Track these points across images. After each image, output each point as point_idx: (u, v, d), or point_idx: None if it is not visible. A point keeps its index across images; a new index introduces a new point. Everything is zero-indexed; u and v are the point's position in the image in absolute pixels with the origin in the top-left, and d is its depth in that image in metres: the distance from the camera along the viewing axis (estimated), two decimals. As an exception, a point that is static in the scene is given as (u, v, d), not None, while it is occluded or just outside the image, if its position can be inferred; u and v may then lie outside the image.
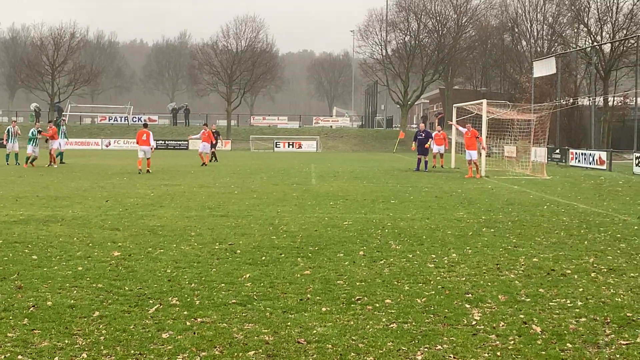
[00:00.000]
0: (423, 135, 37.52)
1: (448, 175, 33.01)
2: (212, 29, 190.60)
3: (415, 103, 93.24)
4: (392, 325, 7.76)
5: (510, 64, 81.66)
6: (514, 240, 13.64)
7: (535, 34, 77.44)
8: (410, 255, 11.96)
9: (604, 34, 67.29)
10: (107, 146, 72.41)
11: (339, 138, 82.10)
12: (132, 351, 6.83)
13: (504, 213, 18.31)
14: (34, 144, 36.32)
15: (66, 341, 7.08)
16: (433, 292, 9.28)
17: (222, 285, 9.58)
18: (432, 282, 9.88)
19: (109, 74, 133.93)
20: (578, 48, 66.27)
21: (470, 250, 12.52)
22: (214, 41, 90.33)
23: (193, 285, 9.57)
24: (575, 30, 71.52)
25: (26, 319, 7.86)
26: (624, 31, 64.51)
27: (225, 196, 21.92)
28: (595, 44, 63.89)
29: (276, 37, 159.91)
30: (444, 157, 40.48)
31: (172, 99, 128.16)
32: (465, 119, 41.74)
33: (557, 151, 49.72)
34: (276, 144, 74.96)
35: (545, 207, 19.87)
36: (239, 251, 12.17)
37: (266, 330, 7.52)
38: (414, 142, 38.18)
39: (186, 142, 72.49)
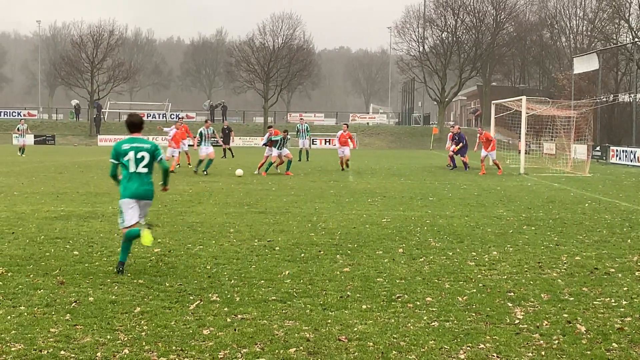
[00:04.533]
0: (457, 138, 35.94)
1: (486, 172, 32.68)
2: (249, 27, 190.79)
3: (453, 100, 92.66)
4: (433, 324, 7.69)
5: (550, 61, 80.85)
6: (556, 239, 13.48)
7: (575, 30, 76.61)
8: (450, 253, 11.87)
9: (645, 29, 66.31)
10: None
11: (376, 135, 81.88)
12: (174, 347, 6.84)
13: (545, 211, 18.11)
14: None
15: (108, 337, 7.12)
16: (474, 291, 9.19)
17: (262, 282, 9.58)
18: (473, 280, 9.79)
19: (147, 71, 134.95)
20: (619, 44, 65.41)
21: (511, 248, 12.39)
22: (251, 38, 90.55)
23: (233, 281, 9.57)
24: (616, 26, 70.58)
25: (68, 314, 7.91)
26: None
27: (263, 193, 21.94)
28: (636, 39, 62.99)
29: (313, 35, 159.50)
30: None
31: (209, 96, 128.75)
32: (503, 115, 41.43)
33: (598, 148, 49.13)
34: (313, 141, 74.98)
35: (587, 204, 19.62)
36: (277, 248, 12.17)
37: (307, 328, 7.49)
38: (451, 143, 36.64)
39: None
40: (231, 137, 48.13)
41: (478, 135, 34.38)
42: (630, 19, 66.66)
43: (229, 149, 47.11)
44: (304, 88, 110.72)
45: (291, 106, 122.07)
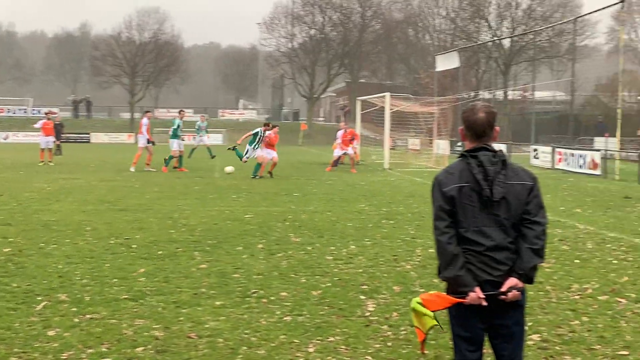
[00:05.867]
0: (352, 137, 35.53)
1: (356, 168, 33.11)
2: (115, 21, 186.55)
3: (322, 96, 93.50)
4: (286, 318, 7.72)
5: (415, 58, 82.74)
6: (412, 232, 13.80)
7: (438, 28, 78.70)
8: (309, 248, 11.95)
9: (503, 29, 68.91)
10: (5, 139, 70.23)
11: (245, 131, 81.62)
12: (16, 349, 6.62)
13: (405, 205, 18.51)
14: None
15: (-55, 341, 6.80)
16: (329, 284, 9.28)
17: (115, 280, 9.38)
18: (329, 274, 9.89)
19: (7, 66, 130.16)
20: (479, 42, 67.65)
21: (369, 242, 12.59)
22: (117, 32, 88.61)
23: (84, 281, 9.33)
24: (477, 25, 73.00)
25: None
26: (523, 26, 66.16)
27: (125, 190, 21.50)
28: (495, 38, 65.33)
29: (182, 30, 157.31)
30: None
31: (73, 90, 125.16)
32: (369, 112, 42.08)
33: (459, 144, 50.59)
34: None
35: (445, 198, 20.13)
36: (134, 246, 11.95)
37: (157, 326, 7.38)
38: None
39: (87, 135, 71.03)
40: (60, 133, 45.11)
41: (342, 132, 33.92)
42: (490, 18, 69.07)
43: (59, 145, 44.21)
44: (172, 84, 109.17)
45: (159, 102, 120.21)
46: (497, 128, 4.83)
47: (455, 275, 4.49)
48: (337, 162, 32.95)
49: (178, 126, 30.72)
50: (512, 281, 4.53)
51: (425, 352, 4.69)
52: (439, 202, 4.59)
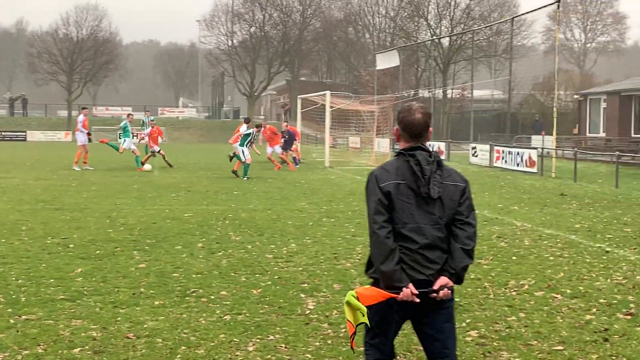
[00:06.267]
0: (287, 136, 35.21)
1: (297, 167, 33.13)
2: (52, 17, 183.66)
3: (262, 94, 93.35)
4: (225, 317, 7.69)
5: (355, 57, 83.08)
6: (353, 230, 13.85)
7: (378, 27, 79.16)
8: (250, 246, 11.92)
9: (442, 28, 69.62)
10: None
11: (185, 129, 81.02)
12: (-52, 353, 6.45)
13: (345, 203, 18.58)
14: None
15: None
16: (269, 283, 9.27)
17: (52, 280, 9.23)
18: (269, 273, 9.87)
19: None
20: (419, 41, 68.25)
21: (309, 240, 12.60)
22: (54, 29, 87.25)
23: (20, 281, 9.16)
24: (416, 24, 73.62)
25: None
26: (462, 26, 66.93)
27: (62, 189, 21.17)
28: (434, 37, 65.98)
29: (120, 27, 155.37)
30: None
31: (9, 88, 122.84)
32: (310, 110, 42.16)
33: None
34: (120, 135, 73.18)
35: (385, 196, 20.24)
36: (72, 245, 11.77)
37: (94, 326, 7.28)
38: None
39: (24, 133, 69.79)
40: None
41: (262, 129, 33.03)
42: (429, 17, 69.73)
43: None
44: (111, 81, 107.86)
45: (97, 99, 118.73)
46: (431, 129, 4.90)
47: (392, 269, 4.50)
48: (284, 161, 32.61)
49: (126, 127, 30.72)
50: (443, 280, 4.58)
51: (355, 347, 4.68)
52: (377, 196, 4.59)
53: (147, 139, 31.19)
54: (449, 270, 4.59)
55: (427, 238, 4.57)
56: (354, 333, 4.55)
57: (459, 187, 4.72)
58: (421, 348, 6.57)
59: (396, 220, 4.58)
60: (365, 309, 4.47)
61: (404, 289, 4.50)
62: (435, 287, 4.56)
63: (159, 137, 31.65)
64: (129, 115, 33.25)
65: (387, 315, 4.68)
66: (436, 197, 4.59)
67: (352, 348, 4.70)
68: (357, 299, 4.50)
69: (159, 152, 30.51)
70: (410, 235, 4.56)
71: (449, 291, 4.60)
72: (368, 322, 4.51)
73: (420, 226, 4.57)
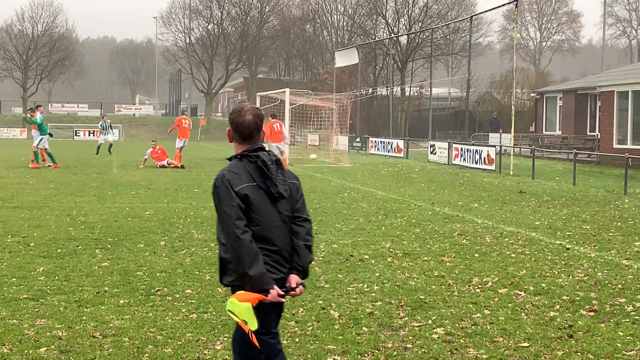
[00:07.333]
0: None
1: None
2: (5, 13, 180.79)
3: (220, 92, 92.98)
4: (191, 316, 7.66)
5: (313, 54, 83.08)
6: (315, 227, 13.85)
7: (337, 25, 79.26)
8: (213, 244, 11.85)
9: (400, 26, 69.93)
10: None
11: (142, 126, 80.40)
12: None
13: (306, 201, 18.55)
14: None
15: None
16: (234, 281, 9.22)
17: (14, 279, 9.12)
18: (233, 271, 9.82)
19: None
20: (377, 39, 68.49)
21: (272, 238, 12.55)
22: (8, 25, 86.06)
23: (-19, 281, 9.03)
24: (374, 21, 73.86)
25: None
26: (420, 24, 67.30)
27: (19, 186, 20.90)
28: (392, 35, 66.27)
29: (76, 23, 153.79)
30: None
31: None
32: (268, 107, 42.07)
33: (358, 139, 51.17)
34: (76, 133, 72.37)
35: (346, 194, 20.35)
36: (32, 244, 11.63)
37: (60, 326, 7.21)
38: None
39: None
40: None
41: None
42: (387, 15, 70.00)
43: None
44: (67, 78, 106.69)
45: (53, 96, 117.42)
46: (264, 130, 4.96)
47: (260, 273, 4.56)
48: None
49: (104, 125, 31.21)
50: (297, 277, 4.77)
51: (258, 345, 4.70)
52: (234, 201, 4.58)
53: (148, 157, 30.14)
54: (297, 267, 4.77)
55: (283, 237, 4.70)
56: (252, 333, 4.58)
57: (296, 184, 4.89)
58: (389, 345, 6.66)
59: (253, 222, 4.63)
60: (248, 318, 4.51)
61: (272, 290, 4.60)
62: (293, 284, 4.74)
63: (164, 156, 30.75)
64: (103, 116, 37.42)
65: (268, 312, 4.78)
66: (286, 196, 4.72)
67: (256, 346, 4.71)
68: (237, 304, 4.53)
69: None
70: (268, 236, 4.65)
71: (303, 287, 4.81)
72: (254, 327, 4.55)
73: (276, 226, 4.68)
